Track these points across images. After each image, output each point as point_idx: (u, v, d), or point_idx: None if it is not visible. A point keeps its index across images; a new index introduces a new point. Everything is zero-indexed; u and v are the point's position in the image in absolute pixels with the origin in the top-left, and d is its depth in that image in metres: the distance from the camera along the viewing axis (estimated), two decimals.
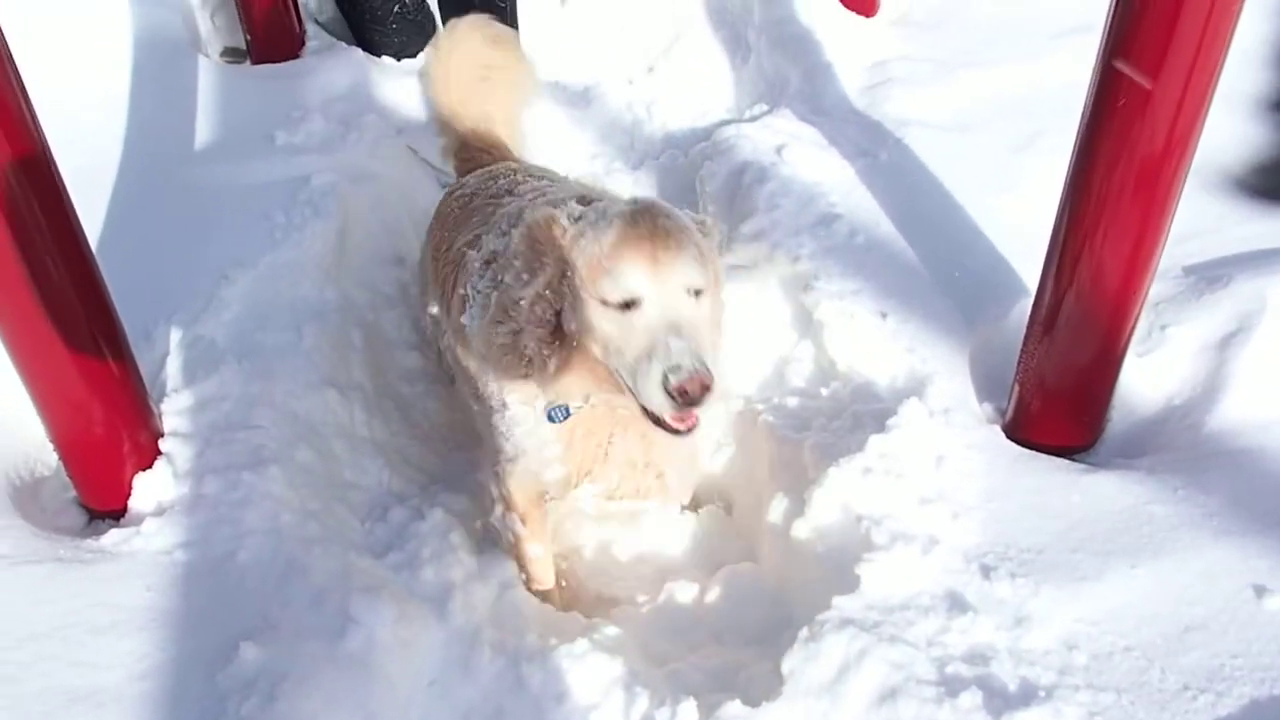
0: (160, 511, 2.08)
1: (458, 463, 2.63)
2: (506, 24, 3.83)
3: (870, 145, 3.09)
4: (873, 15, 3.81)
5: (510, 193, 2.35)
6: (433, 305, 2.49)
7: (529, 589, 2.25)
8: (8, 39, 1.82)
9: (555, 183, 2.47)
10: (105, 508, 2.18)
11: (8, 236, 1.88)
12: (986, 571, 1.92)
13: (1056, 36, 3.50)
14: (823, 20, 3.70)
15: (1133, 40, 1.80)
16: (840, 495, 2.09)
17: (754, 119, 3.31)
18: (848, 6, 3.78)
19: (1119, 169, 1.93)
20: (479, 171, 2.59)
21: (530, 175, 2.51)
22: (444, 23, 3.82)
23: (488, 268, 2.02)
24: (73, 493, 2.22)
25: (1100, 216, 2.00)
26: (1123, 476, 2.12)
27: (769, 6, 3.81)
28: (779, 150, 3.05)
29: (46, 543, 2.01)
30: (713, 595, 2.20)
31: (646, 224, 1.75)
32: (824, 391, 2.44)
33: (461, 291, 2.12)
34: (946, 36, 3.61)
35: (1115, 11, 1.81)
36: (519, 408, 2.02)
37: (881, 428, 2.18)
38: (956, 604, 1.87)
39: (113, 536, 2.03)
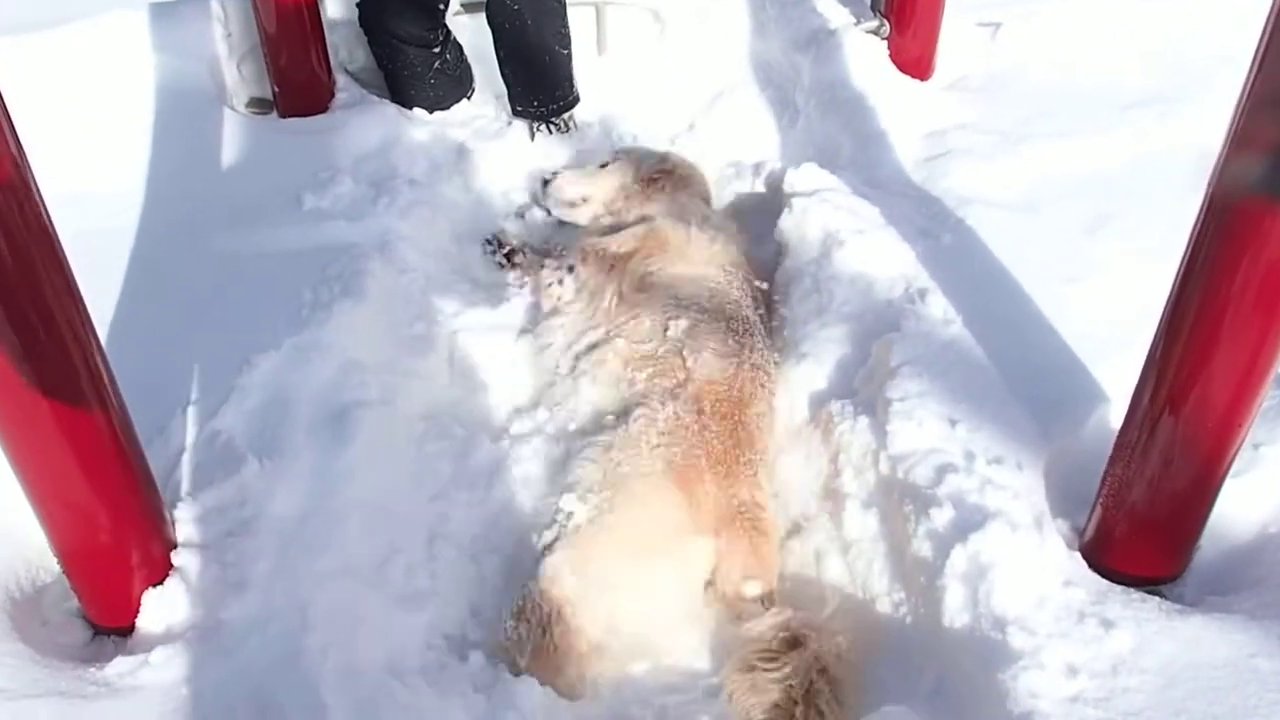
0: (172, 636, 1.89)
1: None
2: (562, 80, 3.71)
3: (931, 225, 2.91)
4: (928, 79, 3.65)
5: None
6: None
7: None
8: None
9: None
10: (111, 625, 1.99)
11: None
12: None
13: (1122, 109, 3.34)
14: (876, 83, 3.53)
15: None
16: None
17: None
18: (902, 70, 3.61)
19: (1237, 278, 1.72)
20: None
21: None
22: (504, 78, 3.72)
23: None
24: (75, 603, 2.04)
25: (1214, 331, 1.78)
26: (1221, 622, 1.92)
27: (819, 67, 3.65)
28: (837, 229, 2.88)
29: (47, 672, 1.82)
30: None
31: None
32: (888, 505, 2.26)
33: None
34: (1005, 105, 3.44)
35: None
36: None
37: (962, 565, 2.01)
38: None
39: (118, 666, 1.83)
